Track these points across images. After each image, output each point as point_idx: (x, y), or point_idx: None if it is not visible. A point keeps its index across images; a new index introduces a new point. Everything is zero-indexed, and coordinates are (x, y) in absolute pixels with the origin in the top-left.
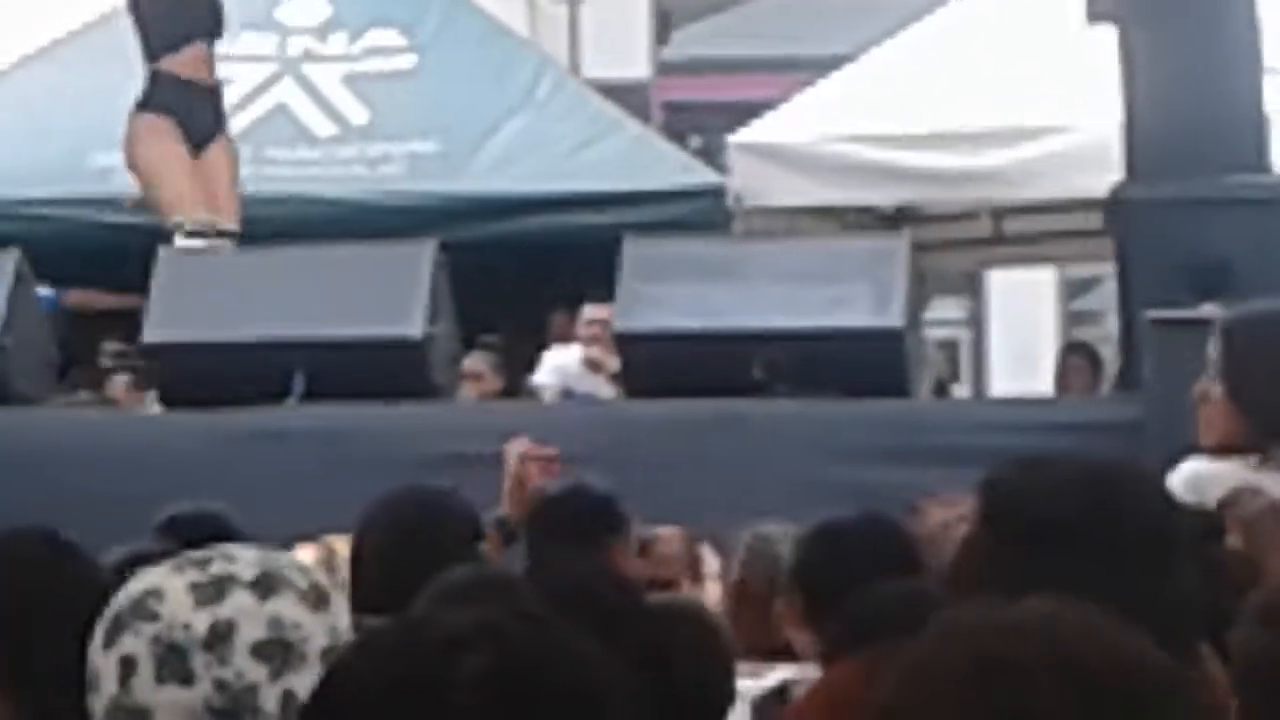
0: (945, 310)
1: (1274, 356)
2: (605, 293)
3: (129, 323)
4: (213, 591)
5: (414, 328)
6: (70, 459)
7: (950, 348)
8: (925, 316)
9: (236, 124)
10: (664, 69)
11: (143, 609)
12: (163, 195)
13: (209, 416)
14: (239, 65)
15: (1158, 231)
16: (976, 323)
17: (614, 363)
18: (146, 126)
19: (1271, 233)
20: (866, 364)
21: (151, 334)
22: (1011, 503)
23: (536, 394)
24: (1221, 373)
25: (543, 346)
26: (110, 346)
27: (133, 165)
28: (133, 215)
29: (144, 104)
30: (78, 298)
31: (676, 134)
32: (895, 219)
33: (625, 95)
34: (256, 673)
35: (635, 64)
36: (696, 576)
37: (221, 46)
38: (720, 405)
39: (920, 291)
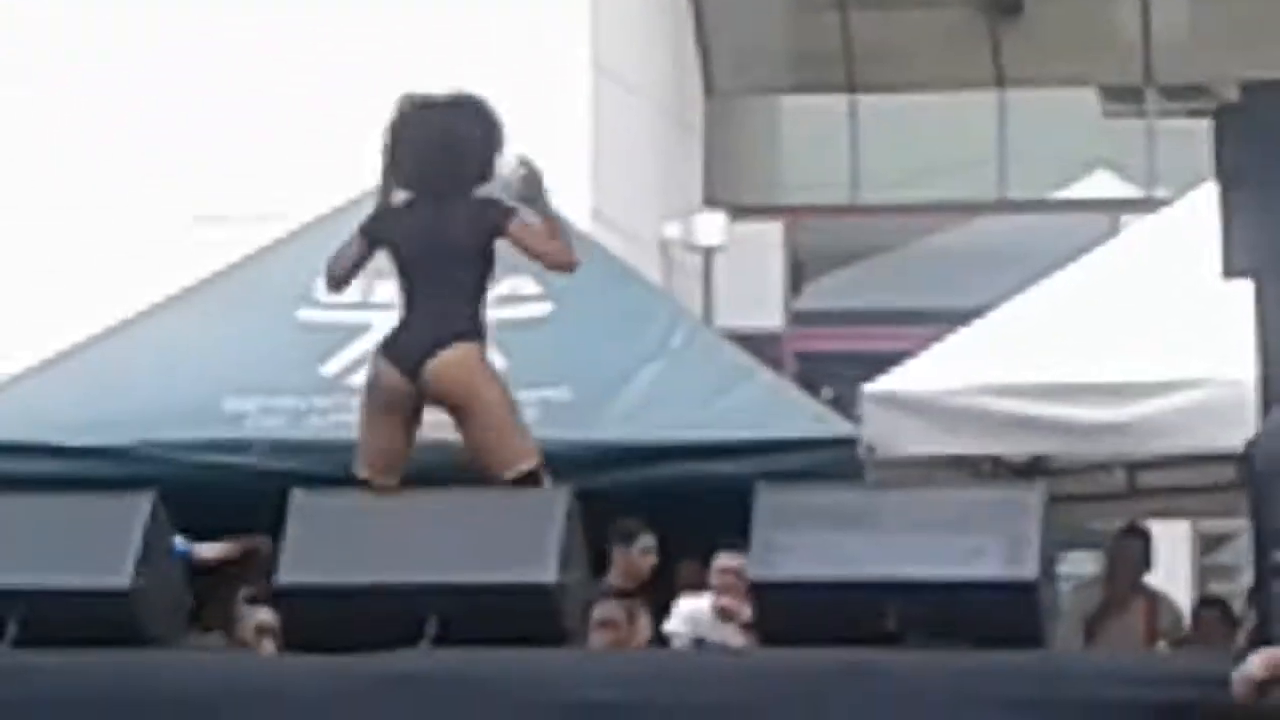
0: (1079, 564)
1: None
2: (738, 541)
3: (262, 565)
4: None
5: (547, 574)
6: (200, 702)
7: None
8: (1059, 570)
9: None
10: (797, 319)
11: None
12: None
13: (339, 660)
14: (378, 313)
15: None
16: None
17: (746, 611)
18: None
19: None
20: (1000, 615)
21: (285, 576)
22: None
23: (669, 642)
24: None
25: (674, 594)
26: (243, 589)
27: (484, 395)
28: (265, 459)
29: (476, 333)
30: (209, 552)
31: (809, 384)
32: (1028, 471)
33: (758, 345)
34: None
35: (769, 314)
36: None
37: (359, 293)
38: (853, 655)
39: (1054, 544)
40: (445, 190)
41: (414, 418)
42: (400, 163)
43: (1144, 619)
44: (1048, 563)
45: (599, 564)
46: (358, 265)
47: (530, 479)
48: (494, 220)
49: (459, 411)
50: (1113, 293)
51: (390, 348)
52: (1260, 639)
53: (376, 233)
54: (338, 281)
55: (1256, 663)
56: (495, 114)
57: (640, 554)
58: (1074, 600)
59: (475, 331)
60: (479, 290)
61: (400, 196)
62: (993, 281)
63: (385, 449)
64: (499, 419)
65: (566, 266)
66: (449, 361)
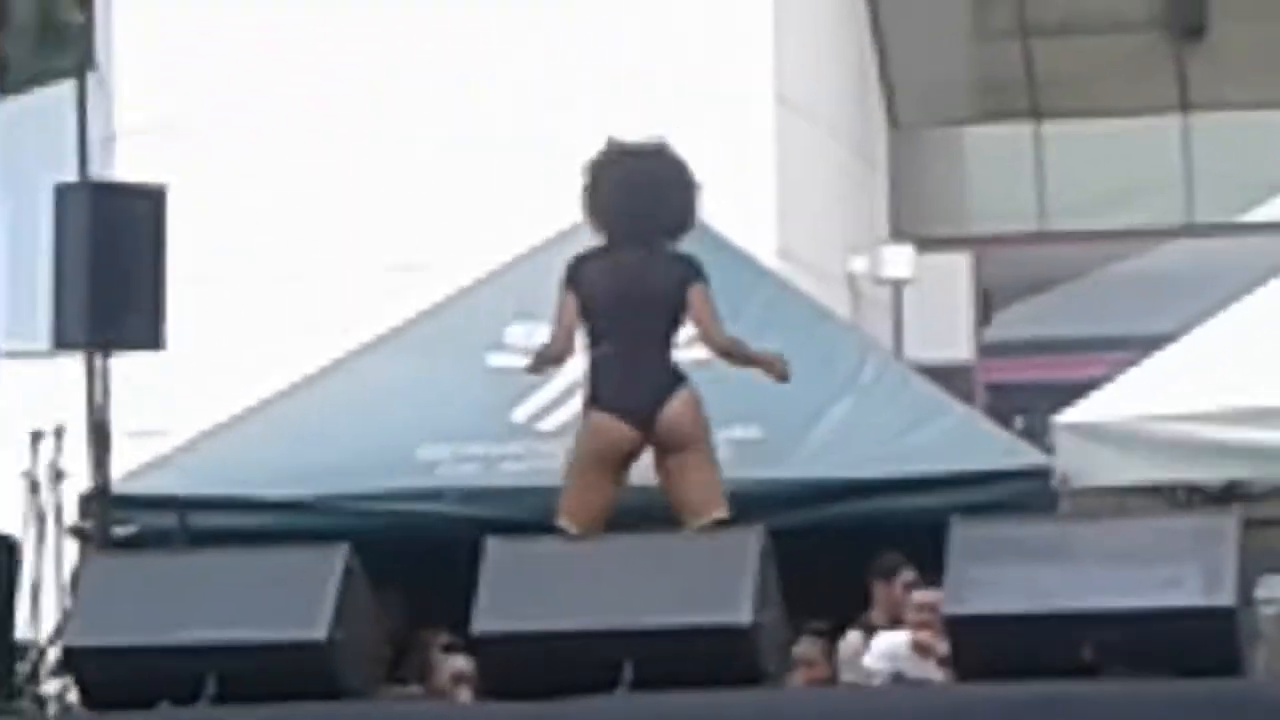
0: (1276, 589)
1: None
2: (934, 577)
3: (458, 613)
4: None
5: (743, 615)
6: None
7: None
8: (1257, 595)
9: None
10: (986, 350)
11: None
12: None
13: (536, 707)
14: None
15: None
16: None
17: (943, 646)
18: None
19: None
20: (1199, 644)
21: (481, 623)
22: None
23: (869, 678)
24: None
25: (871, 630)
26: (439, 638)
27: (706, 440)
28: (458, 507)
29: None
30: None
31: (1000, 415)
32: (1224, 497)
33: (948, 377)
34: None
35: (958, 346)
36: None
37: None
38: (1052, 688)
39: (1251, 569)
40: (647, 237)
41: (627, 470)
42: (602, 206)
43: None
44: (1245, 589)
45: (862, 601)
46: (575, 318)
47: (721, 527)
48: (688, 277)
49: (682, 455)
50: None
51: (610, 399)
52: None
53: (575, 280)
54: (565, 346)
55: None
56: (690, 167)
57: (903, 589)
58: (1276, 627)
59: (688, 378)
60: (671, 341)
61: (594, 240)
62: (1182, 307)
63: (594, 502)
64: (712, 466)
65: (719, 349)
66: (686, 405)
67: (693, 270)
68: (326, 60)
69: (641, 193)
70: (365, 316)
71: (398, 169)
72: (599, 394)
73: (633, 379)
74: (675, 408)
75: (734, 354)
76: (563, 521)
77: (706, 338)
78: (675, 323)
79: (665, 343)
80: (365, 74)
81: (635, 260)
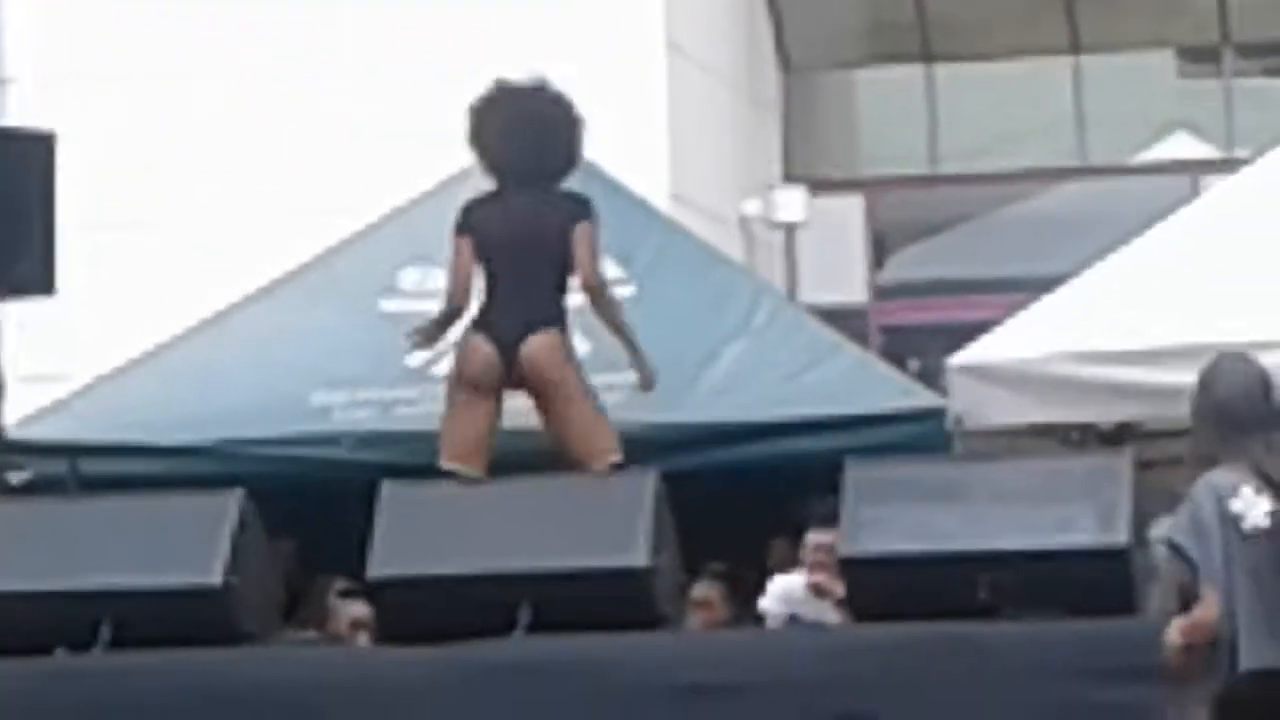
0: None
1: None
2: (829, 518)
3: (355, 558)
4: None
5: (638, 557)
6: (295, 697)
7: None
8: (1150, 534)
9: None
10: (880, 293)
11: None
12: None
13: (434, 651)
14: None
15: None
16: None
17: (840, 588)
18: None
19: None
20: (1093, 583)
21: (376, 569)
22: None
23: (763, 621)
24: None
25: (767, 573)
26: (336, 583)
27: (573, 382)
28: (354, 452)
29: (562, 322)
30: None
31: (894, 357)
32: (1117, 437)
33: (843, 320)
34: None
35: (852, 288)
36: None
37: (442, 282)
38: (947, 629)
39: (1145, 509)
40: (533, 178)
41: (499, 400)
42: (489, 148)
43: None
44: (1139, 529)
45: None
46: (470, 264)
47: (618, 471)
48: (577, 214)
49: (547, 397)
50: (1196, 254)
51: (484, 325)
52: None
53: (468, 225)
54: (463, 294)
55: (1174, 631)
56: (575, 105)
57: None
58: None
59: (561, 320)
60: (563, 280)
61: (483, 185)
62: (1075, 248)
63: (470, 435)
64: (588, 408)
65: (590, 289)
66: (543, 344)
67: (582, 208)
68: (221, 5)
69: (527, 132)
70: (261, 262)
71: (294, 114)
72: (477, 320)
73: (508, 312)
74: (533, 345)
75: (601, 303)
76: (443, 458)
77: (583, 276)
78: (566, 263)
79: (554, 282)
80: (261, 19)
81: (526, 201)
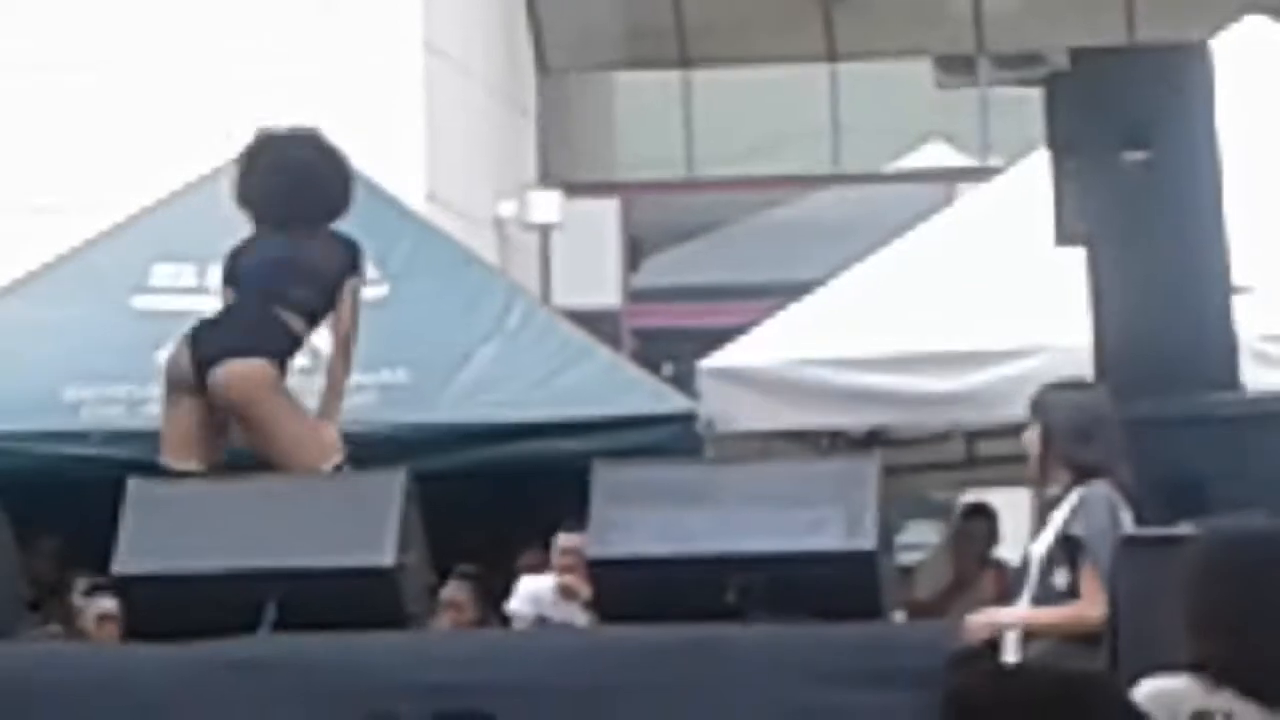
0: (921, 534)
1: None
2: (579, 520)
3: (101, 555)
4: None
5: (385, 557)
6: (39, 693)
7: None
8: (900, 541)
9: None
10: (634, 296)
11: None
12: None
13: (179, 648)
14: (214, 299)
15: (1130, 451)
16: None
17: (588, 590)
18: None
19: (1244, 451)
20: (840, 587)
21: (121, 565)
22: (979, 715)
23: (511, 622)
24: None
25: (516, 574)
26: (82, 579)
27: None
28: (102, 448)
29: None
30: None
31: (648, 361)
32: (868, 442)
33: (596, 323)
34: None
35: (606, 291)
36: None
37: (194, 277)
38: (695, 631)
39: (893, 514)
40: (290, 222)
41: (196, 400)
42: (253, 192)
43: (996, 589)
44: (886, 533)
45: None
46: None
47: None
48: (350, 264)
49: (243, 420)
50: (948, 262)
51: (191, 337)
52: None
53: (226, 272)
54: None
55: (974, 625)
56: (342, 153)
57: None
58: (921, 578)
59: (279, 353)
60: (312, 319)
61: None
62: (829, 254)
63: (178, 431)
64: (292, 428)
65: (342, 344)
66: (233, 373)
67: (352, 261)
68: None
69: (283, 177)
70: (5, 260)
71: (33, 110)
72: (189, 331)
73: (214, 332)
74: (219, 373)
75: (341, 358)
76: (162, 454)
77: (341, 329)
78: (324, 305)
79: (279, 316)
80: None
81: (281, 241)
